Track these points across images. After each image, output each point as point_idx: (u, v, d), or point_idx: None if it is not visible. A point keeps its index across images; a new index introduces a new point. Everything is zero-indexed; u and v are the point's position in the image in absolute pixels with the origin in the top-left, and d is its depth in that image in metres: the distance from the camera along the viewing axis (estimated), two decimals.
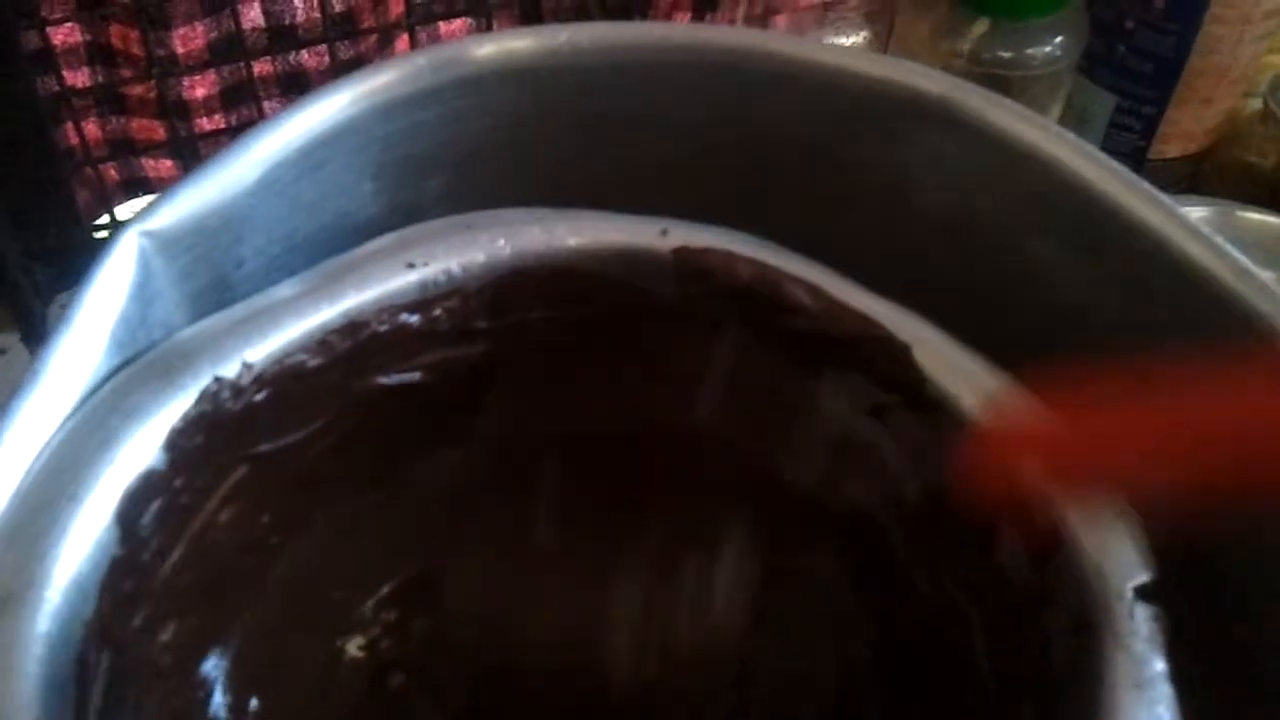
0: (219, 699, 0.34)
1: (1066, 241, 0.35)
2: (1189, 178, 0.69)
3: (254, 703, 0.35)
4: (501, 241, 0.34)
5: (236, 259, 0.32)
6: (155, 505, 0.29)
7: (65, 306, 0.28)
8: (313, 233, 0.34)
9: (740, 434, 0.38)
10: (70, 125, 0.59)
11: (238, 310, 0.31)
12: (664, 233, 0.35)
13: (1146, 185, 0.33)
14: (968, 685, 0.33)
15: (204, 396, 0.29)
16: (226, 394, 0.30)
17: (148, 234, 0.30)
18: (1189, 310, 0.32)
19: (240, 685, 0.35)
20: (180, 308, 0.31)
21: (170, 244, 0.30)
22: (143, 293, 0.30)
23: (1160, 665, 0.27)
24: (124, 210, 0.63)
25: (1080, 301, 0.35)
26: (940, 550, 0.34)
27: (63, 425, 0.28)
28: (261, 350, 0.30)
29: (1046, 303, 0.36)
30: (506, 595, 0.40)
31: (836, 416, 0.36)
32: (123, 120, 0.63)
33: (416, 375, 0.35)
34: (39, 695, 0.24)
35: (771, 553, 0.39)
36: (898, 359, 0.33)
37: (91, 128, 0.62)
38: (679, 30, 0.38)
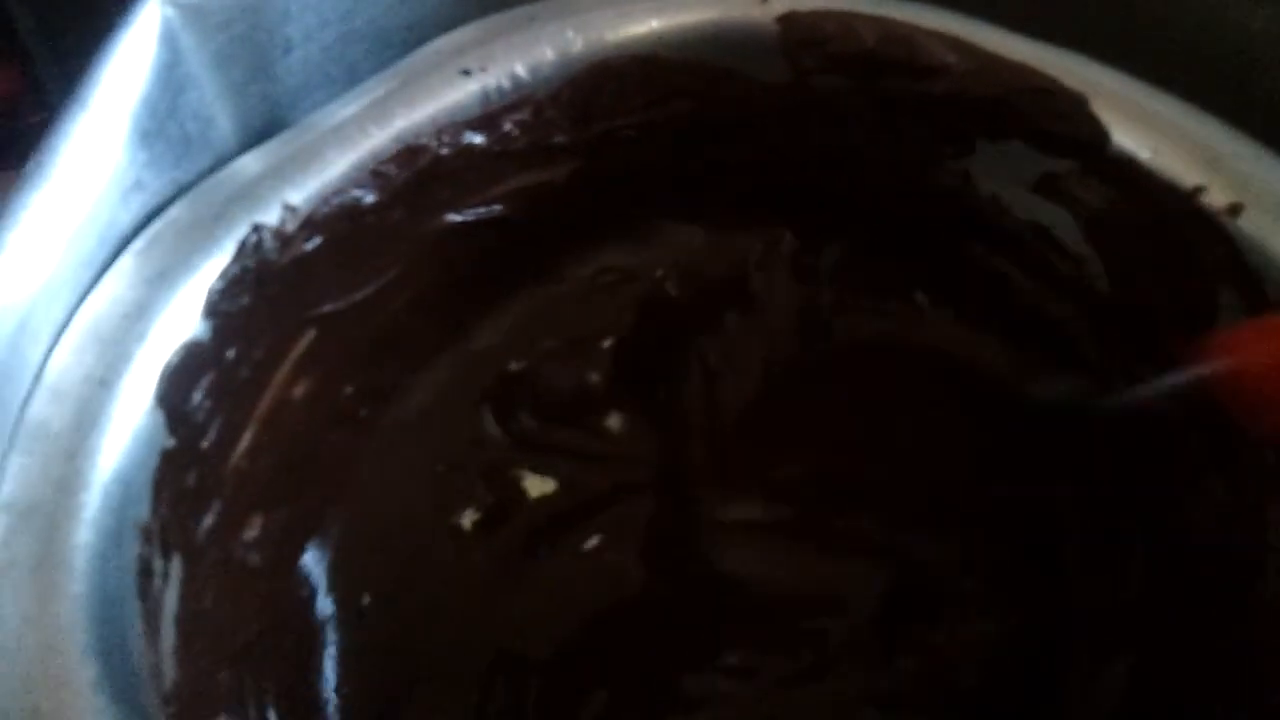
0: (324, 598, 0.30)
1: None
2: None
3: (366, 599, 0.31)
4: (571, 32, 0.28)
5: (283, 41, 0.27)
6: (206, 383, 0.24)
7: None
8: (375, 15, 0.28)
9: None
10: None
11: (269, 146, 0.26)
12: None
13: None
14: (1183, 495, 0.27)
15: (243, 250, 0.24)
16: (270, 244, 0.25)
17: (173, 2, 0.25)
18: None
19: (347, 580, 0.31)
20: (220, 100, 0.26)
21: (202, 17, 0.25)
22: (170, 74, 0.25)
23: None
24: None
25: None
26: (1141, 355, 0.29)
27: (77, 309, 0.23)
28: (304, 189, 0.25)
29: None
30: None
31: (995, 199, 0.30)
32: None
33: (496, 208, 0.30)
34: (91, 615, 0.20)
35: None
36: (1070, 113, 0.27)
37: None
38: None
